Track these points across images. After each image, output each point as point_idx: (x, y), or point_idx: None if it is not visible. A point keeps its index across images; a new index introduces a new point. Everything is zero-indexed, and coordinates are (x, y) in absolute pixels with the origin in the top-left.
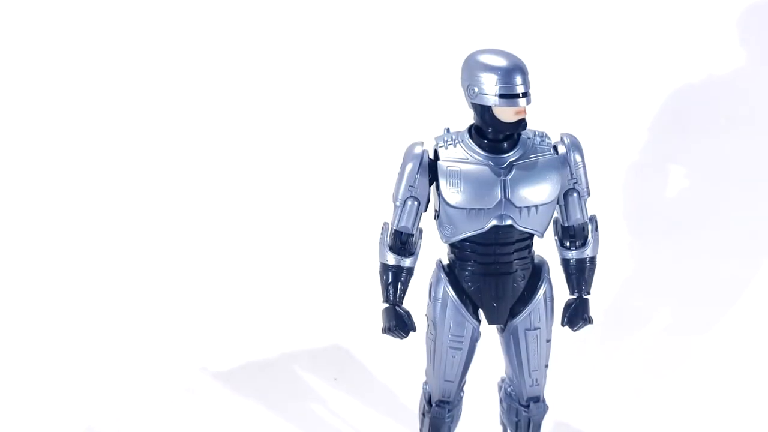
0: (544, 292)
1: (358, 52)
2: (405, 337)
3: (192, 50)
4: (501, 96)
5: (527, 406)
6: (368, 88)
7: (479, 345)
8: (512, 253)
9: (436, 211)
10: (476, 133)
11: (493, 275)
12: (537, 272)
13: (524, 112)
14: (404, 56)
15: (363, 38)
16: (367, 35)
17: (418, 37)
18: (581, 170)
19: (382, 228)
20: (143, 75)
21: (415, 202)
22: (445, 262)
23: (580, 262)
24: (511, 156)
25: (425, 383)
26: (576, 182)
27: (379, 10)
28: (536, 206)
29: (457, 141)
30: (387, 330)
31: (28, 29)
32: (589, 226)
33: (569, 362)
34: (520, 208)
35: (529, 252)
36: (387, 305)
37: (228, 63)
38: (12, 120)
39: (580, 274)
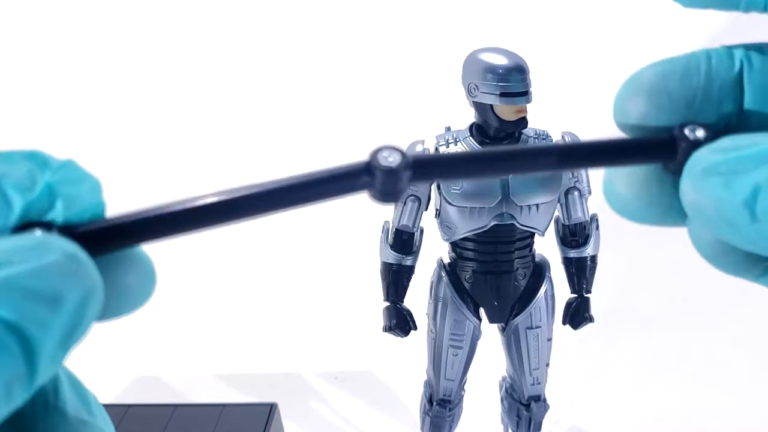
0: (545, 291)
1: (358, 52)
2: (406, 336)
3: (190, 51)
4: (502, 95)
5: (528, 405)
6: (369, 87)
7: (480, 344)
8: (513, 251)
9: (437, 209)
10: (477, 131)
11: (494, 274)
12: (538, 271)
13: (525, 110)
14: (404, 56)
15: (363, 38)
16: (368, 35)
17: (418, 37)
18: (582, 169)
19: (383, 227)
20: (140, 75)
21: (416, 201)
22: (446, 260)
23: (581, 260)
24: None
25: (426, 382)
26: (577, 181)
27: (379, 9)
28: (537, 205)
29: (458, 139)
30: (388, 329)
31: (28, 28)
32: (590, 225)
33: (570, 361)
34: (521, 206)
35: (530, 251)
36: (388, 304)
37: (226, 64)
38: (12, 120)
39: (581, 273)
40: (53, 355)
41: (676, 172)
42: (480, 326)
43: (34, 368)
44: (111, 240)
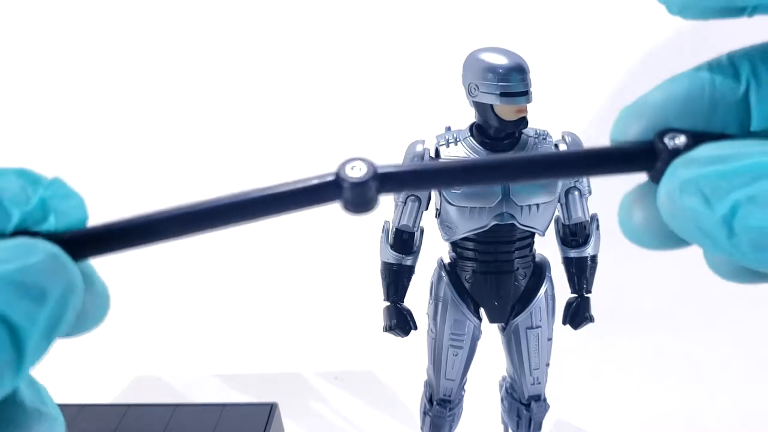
0: (546, 291)
1: (359, 51)
2: (406, 336)
3: (191, 51)
4: (502, 94)
5: (528, 405)
6: (369, 87)
7: (480, 344)
8: (513, 251)
9: (437, 209)
10: (477, 131)
11: (494, 274)
12: (538, 271)
13: (525, 110)
14: (405, 55)
15: (364, 37)
16: (369, 34)
17: (419, 37)
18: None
19: (383, 226)
20: (141, 76)
21: (416, 201)
22: (446, 260)
23: (581, 260)
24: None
25: (426, 382)
26: (577, 180)
27: (379, 9)
28: (537, 204)
29: (458, 139)
30: (388, 328)
31: (27, 28)
32: (591, 225)
33: (570, 361)
34: (521, 206)
35: (531, 250)
36: (388, 304)
37: (227, 64)
38: (10, 120)
39: (581, 273)
40: (39, 344)
41: (658, 181)
42: (480, 326)
43: (21, 356)
44: (91, 246)
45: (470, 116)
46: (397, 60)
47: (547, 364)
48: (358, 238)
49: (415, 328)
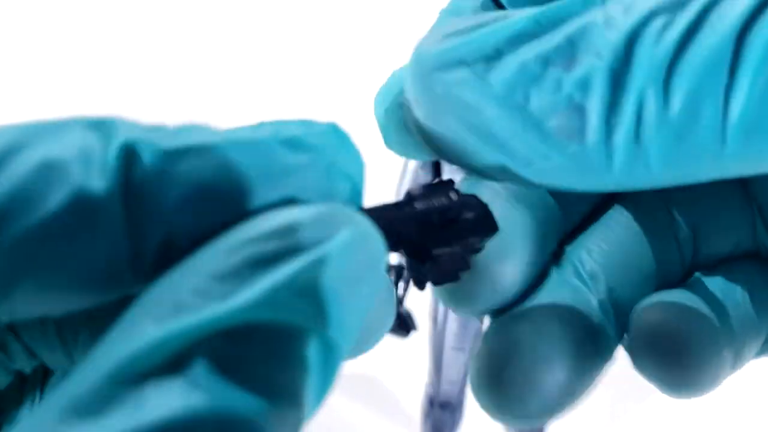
0: None
1: (360, 51)
2: (407, 337)
3: (191, 49)
4: None
5: None
6: (371, 86)
7: None
8: None
9: None
10: None
11: None
12: None
13: None
14: (406, 54)
15: (365, 36)
16: (370, 33)
17: (420, 36)
18: None
19: None
20: (142, 74)
21: None
22: None
23: None
24: None
25: (427, 384)
26: None
27: (381, 8)
28: None
29: None
30: (389, 329)
31: (27, 28)
32: None
33: None
34: None
35: None
36: None
37: (228, 62)
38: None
39: None
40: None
41: None
42: (482, 328)
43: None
44: None
45: None
46: (399, 58)
47: None
48: None
49: (416, 329)
